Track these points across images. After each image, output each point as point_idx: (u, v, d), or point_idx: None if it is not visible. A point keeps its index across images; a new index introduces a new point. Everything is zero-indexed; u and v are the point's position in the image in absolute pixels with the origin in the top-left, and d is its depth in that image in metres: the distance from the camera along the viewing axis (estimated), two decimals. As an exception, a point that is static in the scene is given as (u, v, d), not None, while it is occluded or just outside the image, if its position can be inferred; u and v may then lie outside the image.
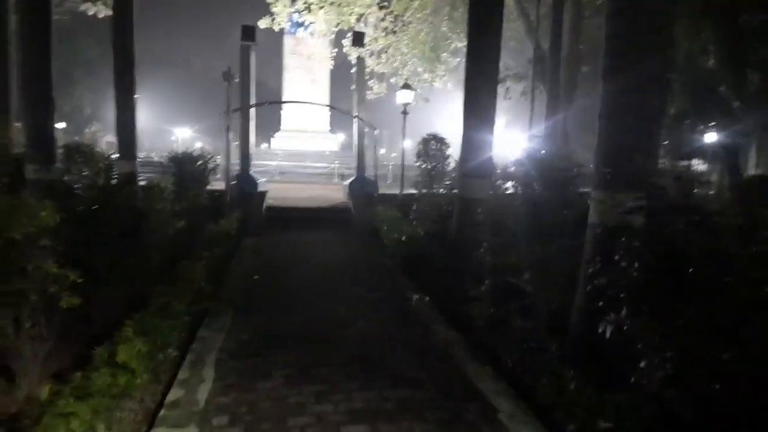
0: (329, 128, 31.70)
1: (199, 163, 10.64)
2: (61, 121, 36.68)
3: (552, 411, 3.60)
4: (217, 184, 12.72)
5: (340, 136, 37.65)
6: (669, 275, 3.09)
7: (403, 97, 11.96)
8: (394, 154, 38.41)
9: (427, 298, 6.57)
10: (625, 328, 3.14)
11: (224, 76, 11.09)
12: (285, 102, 22.78)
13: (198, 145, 39.96)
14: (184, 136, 55.65)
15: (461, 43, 21.03)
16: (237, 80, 11.39)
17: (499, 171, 7.48)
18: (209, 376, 4.25)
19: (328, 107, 14.49)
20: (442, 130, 11.11)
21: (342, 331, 5.43)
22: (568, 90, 15.89)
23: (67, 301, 3.81)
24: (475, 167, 7.24)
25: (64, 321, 4.02)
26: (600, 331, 3.37)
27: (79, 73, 34.73)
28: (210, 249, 7.13)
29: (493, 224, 6.35)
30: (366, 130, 13.97)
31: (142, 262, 6.44)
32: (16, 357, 3.68)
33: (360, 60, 14.27)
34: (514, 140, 30.78)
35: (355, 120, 13.97)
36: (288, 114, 30.52)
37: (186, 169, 10.37)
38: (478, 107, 7.28)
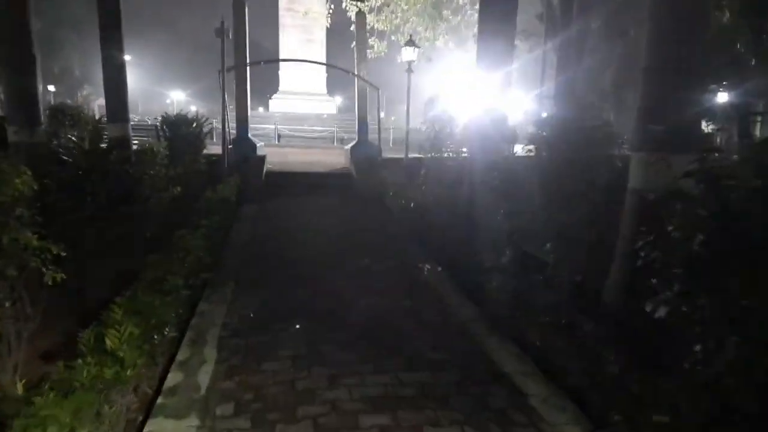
0: (327, 91, 30.79)
1: (194, 125, 10.12)
2: (51, 84, 35.50)
3: (589, 396, 3.28)
4: (215, 148, 12.22)
5: (338, 100, 36.66)
6: (734, 249, 2.68)
7: (407, 54, 11.27)
8: (394, 118, 37.53)
9: (440, 269, 6.21)
10: (683, 308, 2.76)
11: (217, 32, 10.37)
12: (282, 60, 21.84)
13: (192, 108, 39.01)
14: (179, 98, 54.42)
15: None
16: (231, 38, 10.67)
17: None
18: (211, 356, 3.91)
19: (327, 66, 13.76)
20: (445, 92, 10.56)
21: (351, 305, 5.08)
22: (579, 48, 15.16)
23: (51, 276, 3.42)
24: (488, 129, 6.75)
25: (51, 298, 3.65)
26: (649, 310, 3.00)
27: (66, 32, 33.25)
28: (208, 217, 6.71)
29: (508, 190, 5.95)
30: (368, 90, 13.31)
31: (135, 232, 6.03)
32: (-2, 338, 3.30)
33: (360, 15, 13.47)
34: (519, 101, 29.97)
35: (356, 80, 13.30)
36: (285, 76, 29.57)
37: (180, 132, 9.87)
38: (494, 60, 6.74)
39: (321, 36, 28.55)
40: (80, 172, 6.42)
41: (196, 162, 9.95)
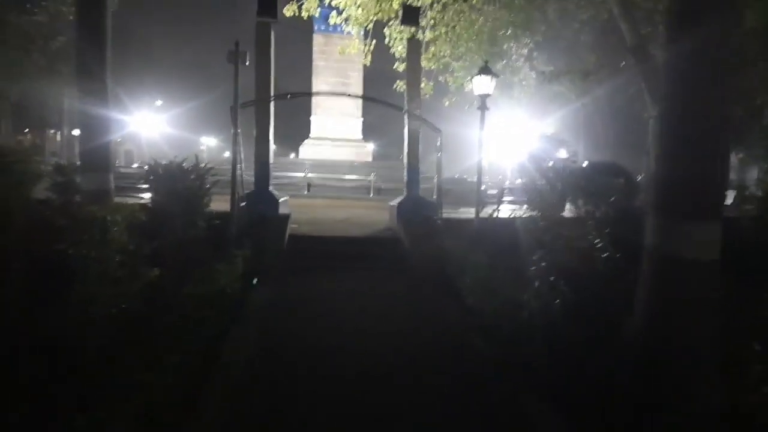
0: (362, 136, 28.52)
1: (193, 177, 7.39)
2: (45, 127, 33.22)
3: None
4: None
5: (370, 146, 34.27)
6: None
7: (481, 85, 8.44)
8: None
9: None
10: None
11: (229, 56, 7.81)
12: (313, 94, 19.41)
13: (226, 154, 37.28)
14: (211, 144, 53.50)
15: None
16: (248, 64, 8.08)
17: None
18: None
19: (369, 101, 11.16)
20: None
21: None
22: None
23: None
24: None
25: None
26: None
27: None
28: (183, 337, 3.81)
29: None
30: (419, 134, 10.53)
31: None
32: None
33: (413, 43, 10.88)
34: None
35: (406, 120, 10.56)
36: (317, 121, 27.55)
37: (173, 187, 7.13)
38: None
39: (357, 79, 26.57)
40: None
41: (192, 226, 7.15)
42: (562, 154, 6.25)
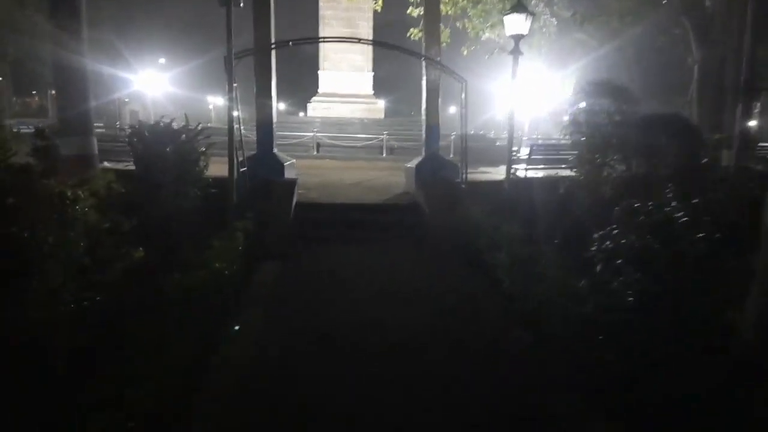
0: (373, 92, 27.07)
1: (183, 138, 6.42)
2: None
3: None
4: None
5: (381, 103, 32.63)
6: None
7: (513, 25, 7.13)
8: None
9: None
10: None
11: (220, -4, 6.61)
12: (319, 41, 17.91)
13: (234, 114, 35.74)
14: (219, 104, 52.02)
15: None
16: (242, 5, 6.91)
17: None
18: None
19: (382, 47, 9.91)
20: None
21: None
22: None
23: None
24: None
25: None
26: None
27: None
28: (164, 345, 2.97)
29: None
30: (440, 84, 9.35)
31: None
32: None
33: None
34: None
35: (425, 70, 9.37)
36: (325, 77, 26.12)
37: (160, 152, 6.19)
38: None
39: (367, 29, 24.96)
40: None
41: (184, 197, 6.25)
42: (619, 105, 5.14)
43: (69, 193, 3.90)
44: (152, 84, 33.98)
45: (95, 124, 7.83)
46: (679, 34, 13.55)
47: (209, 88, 48.17)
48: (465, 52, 17.15)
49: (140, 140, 6.19)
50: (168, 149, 6.23)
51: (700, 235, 3.34)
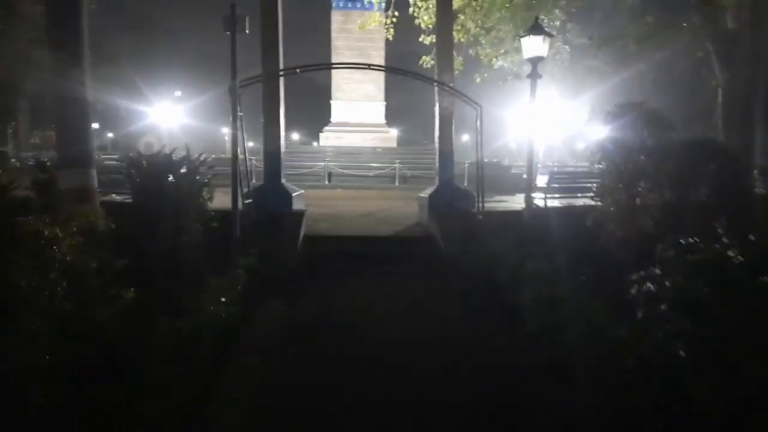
0: (385, 121, 27.04)
1: (183, 170, 6.12)
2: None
3: None
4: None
5: (393, 132, 32.59)
6: None
7: (531, 47, 6.77)
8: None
9: None
10: None
11: (225, 22, 6.42)
12: (326, 67, 17.78)
13: (250, 144, 36.16)
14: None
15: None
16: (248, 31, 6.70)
17: None
18: None
19: (394, 73, 9.65)
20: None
21: None
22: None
23: None
24: None
25: None
26: None
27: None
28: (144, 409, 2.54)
29: None
30: (452, 112, 9.03)
31: None
32: None
33: (445, 7, 9.30)
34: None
35: (438, 97, 9.06)
36: (338, 106, 26.25)
37: (158, 184, 5.88)
38: None
39: (378, 59, 25.10)
40: None
41: (185, 232, 5.90)
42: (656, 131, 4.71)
43: (46, 232, 3.55)
44: (167, 116, 34.48)
45: (109, 156, 7.64)
46: (701, 57, 13.14)
47: (224, 119, 48.73)
48: (478, 80, 16.99)
49: (138, 172, 5.89)
50: (167, 181, 5.92)
51: (764, 280, 2.85)
